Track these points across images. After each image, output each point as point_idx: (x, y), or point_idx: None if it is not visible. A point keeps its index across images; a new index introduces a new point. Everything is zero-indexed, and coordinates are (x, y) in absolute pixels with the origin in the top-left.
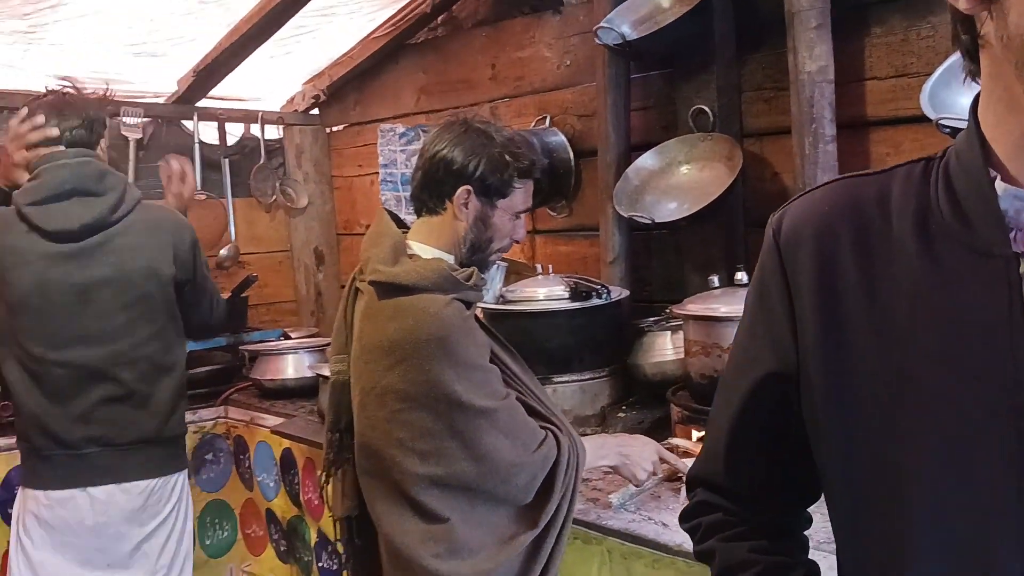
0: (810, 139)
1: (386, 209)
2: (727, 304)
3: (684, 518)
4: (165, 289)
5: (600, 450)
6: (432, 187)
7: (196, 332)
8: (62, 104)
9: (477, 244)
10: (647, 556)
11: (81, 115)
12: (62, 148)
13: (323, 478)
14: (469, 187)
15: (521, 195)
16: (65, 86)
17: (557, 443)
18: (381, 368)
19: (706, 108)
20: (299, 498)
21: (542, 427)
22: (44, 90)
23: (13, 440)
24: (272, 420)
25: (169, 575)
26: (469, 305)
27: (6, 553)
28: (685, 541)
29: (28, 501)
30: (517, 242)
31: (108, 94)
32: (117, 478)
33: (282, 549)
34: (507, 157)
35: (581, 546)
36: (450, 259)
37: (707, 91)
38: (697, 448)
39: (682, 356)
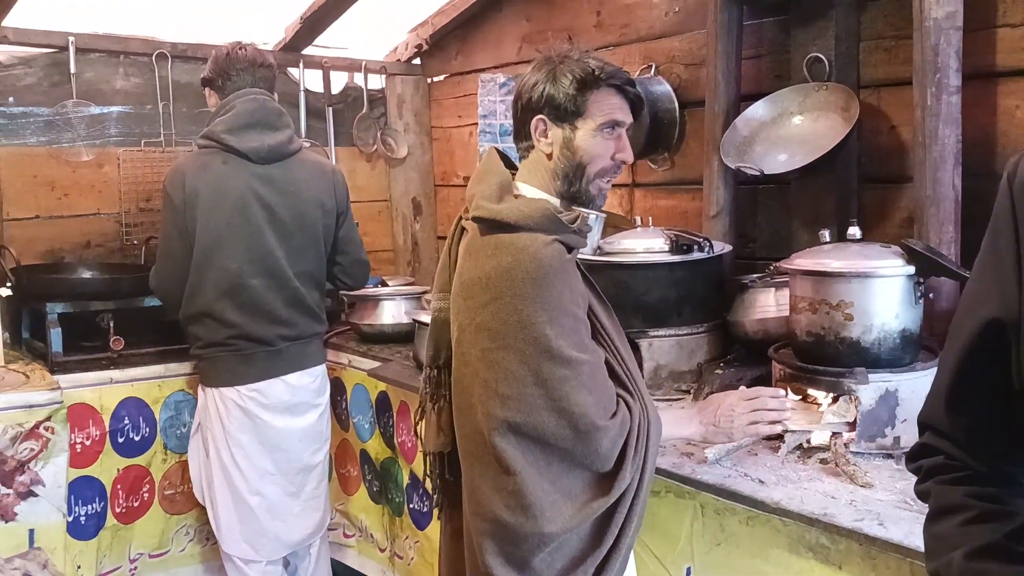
0: (933, 90)
1: (496, 148)
2: (838, 259)
3: (909, 459)
4: (328, 219)
5: (680, 422)
6: (518, 128)
7: (355, 268)
8: (254, 54)
9: (568, 172)
10: (741, 512)
11: (263, 66)
12: (250, 87)
13: (419, 413)
14: (542, 115)
15: (599, 107)
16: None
17: (629, 411)
18: (477, 304)
19: (822, 56)
20: (393, 440)
21: (617, 394)
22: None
23: (124, 372)
24: (369, 364)
25: (327, 444)
26: (571, 250)
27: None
28: (783, 498)
29: (224, 399)
30: (624, 162)
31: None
32: (303, 365)
33: (374, 490)
34: (564, 73)
35: (674, 500)
36: (555, 202)
37: (824, 38)
38: (799, 407)
39: (786, 314)
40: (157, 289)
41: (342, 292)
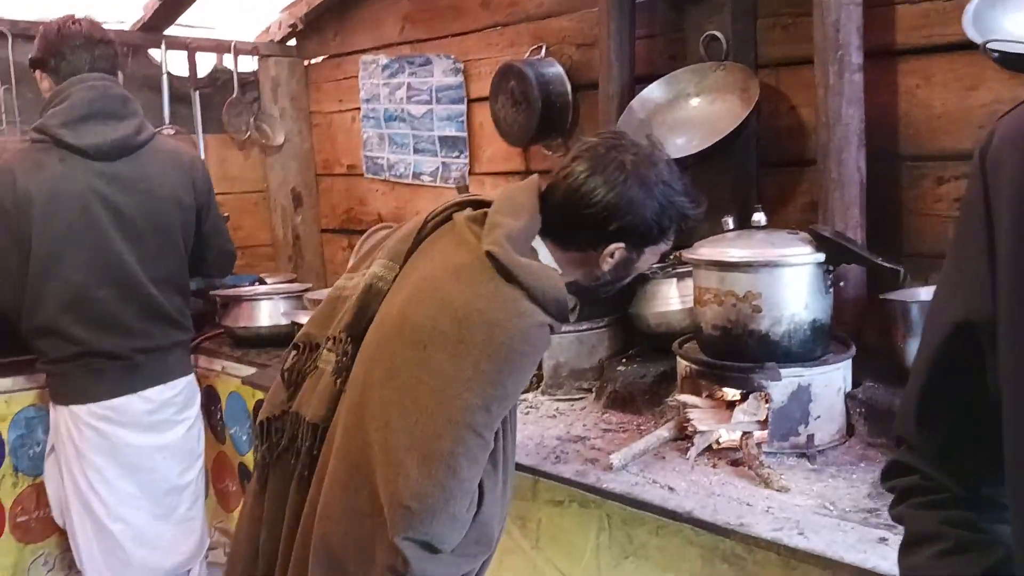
0: (835, 68)
1: (539, 184)
2: (743, 248)
3: (883, 477)
4: (187, 216)
5: None
6: (576, 229)
7: (221, 259)
8: (90, 28)
9: (611, 282)
10: (651, 522)
11: (102, 43)
12: (87, 73)
13: (292, 373)
14: (622, 246)
15: (672, 239)
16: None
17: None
18: (441, 330)
19: (719, 35)
20: None
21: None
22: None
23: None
24: (245, 370)
25: (200, 461)
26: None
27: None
28: (695, 507)
29: (75, 418)
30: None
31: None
32: (164, 378)
33: None
34: (667, 220)
35: (578, 510)
36: (561, 277)
37: (719, 16)
38: (707, 406)
39: (689, 306)
40: None
41: (212, 292)
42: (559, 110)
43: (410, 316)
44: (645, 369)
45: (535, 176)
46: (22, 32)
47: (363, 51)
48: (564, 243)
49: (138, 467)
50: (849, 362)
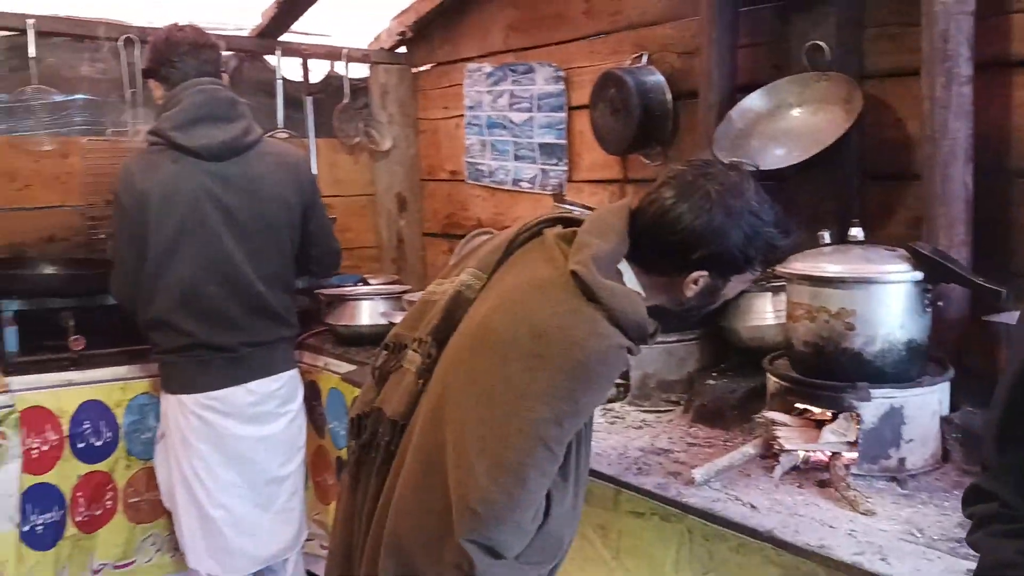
0: (942, 80)
1: (630, 208)
2: (838, 263)
3: (963, 502)
4: (293, 216)
5: None
6: (660, 255)
7: (327, 258)
8: (195, 35)
9: (697, 308)
10: (732, 539)
11: (207, 48)
12: (195, 78)
13: (375, 374)
14: (705, 273)
15: (761, 267)
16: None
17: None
18: (520, 344)
19: (823, 45)
20: None
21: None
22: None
23: (85, 373)
24: (345, 367)
25: (300, 454)
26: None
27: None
28: (775, 527)
29: (183, 406)
30: None
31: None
32: (269, 371)
33: None
34: (753, 250)
35: (659, 523)
36: (641, 294)
37: (824, 26)
38: (795, 424)
39: (784, 321)
40: (116, 297)
41: (318, 291)
42: (659, 119)
43: (492, 326)
44: (735, 384)
45: (628, 199)
46: (149, 39)
47: (469, 59)
48: (649, 267)
49: (240, 457)
50: (947, 385)
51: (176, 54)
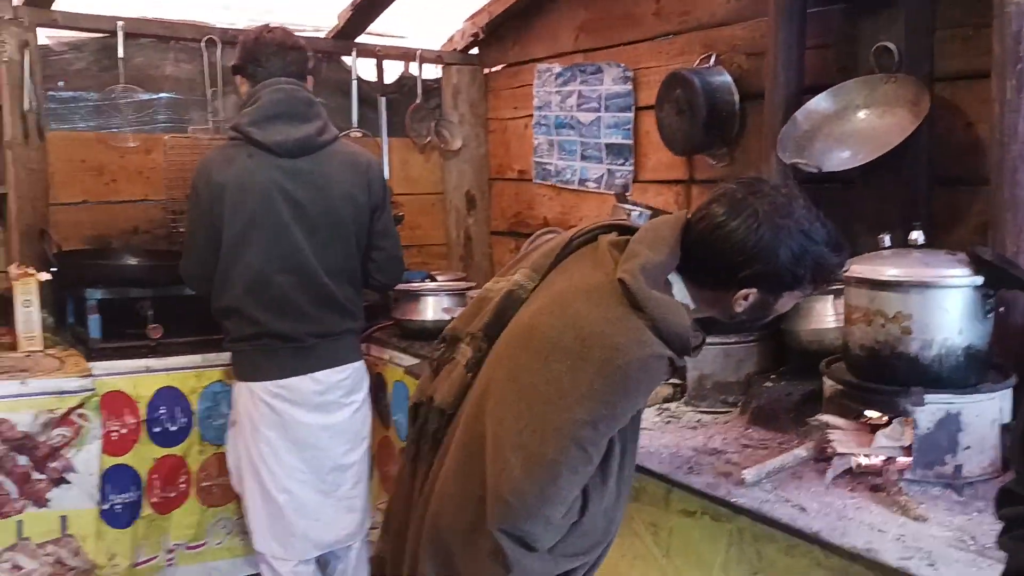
0: (1013, 83)
1: (687, 220)
2: (896, 266)
3: (996, 504)
4: (360, 214)
5: None
6: (709, 270)
7: (389, 264)
8: (283, 36)
9: (749, 321)
10: (781, 540)
11: (293, 50)
12: (278, 77)
13: (432, 365)
14: (754, 291)
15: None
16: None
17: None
18: (563, 344)
19: (891, 46)
20: None
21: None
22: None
23: (162, 361)
24: (409, 360)
25: (365, 443)
26: (672, 368)
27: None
28: (822, 528)
29: (252, 393)
30: None
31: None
32: (334, 362)
33: None
34: (801, 268)
35: (709, 522)
36: (693, 309)
37: (894, 28)
38: (849, 428)
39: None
40: (186, 279)
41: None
42: (725, 119)
43: (538, 326)
44: (793, 387)
45: (683, 212)
46: (231, 40)
47: (539, 60)
48: (698, 281)
49: (305, 443)
50: (1008, 392)
51: (263, 53)
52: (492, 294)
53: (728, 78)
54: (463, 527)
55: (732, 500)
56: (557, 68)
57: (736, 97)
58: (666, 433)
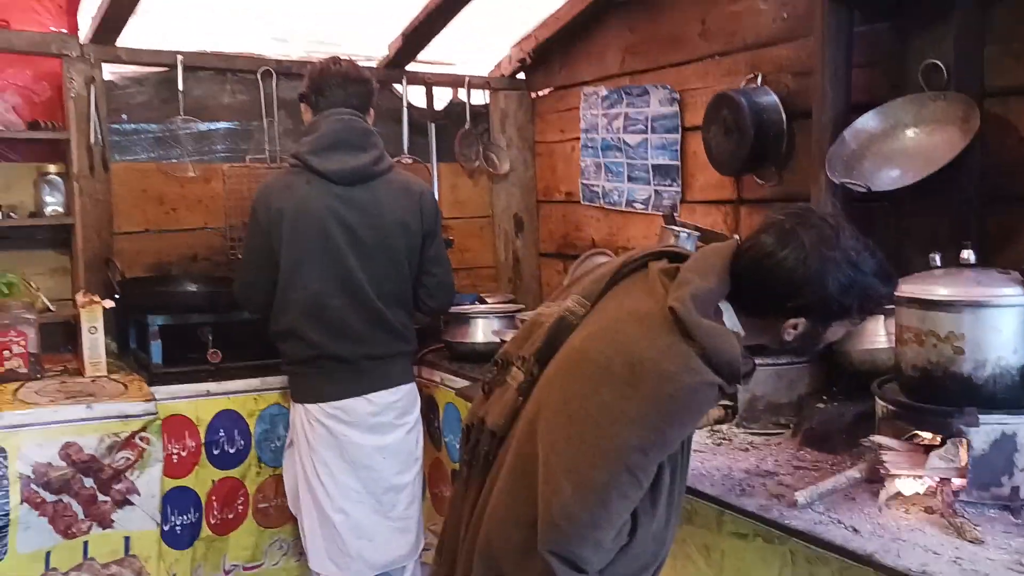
0: None
1: (737, 247)
2: (948, 286)
3: None
4: (412, 240)
5: None
6: (758, 299)
7: (440, 290)
8: (348, 69)
9: (798, 352)
10: (835, 563)
11: (357, 82)
12: (340, 108)
13: (486, 387)
14: (802, 320)
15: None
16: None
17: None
18: (617, 363)
19: (940, 63)
20: None
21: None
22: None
23: (221, 384)
24: (460, 382)
25: (417, 464)
26: (721, 396)
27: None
28: (876, 550)
29: (309, 415)
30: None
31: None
32: (387, 384)
33: None
34: (852, 302)
35: (762, 545)
36: (742, 334)
37: (942, 45)
38: (902, 449)
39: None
40: (240, 300)
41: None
42: (773, 139)
43: (589, 352)
44: (845, 408)
45: (733, 240)
46: (285, 71)
47: (585, 83)
48: (748, 310)
49: (360, 464)
50: None
51: (328, 84)
52: (544, 319)
53: (775, 98)
54: (514, 548)
55: (785, 522)
56: (604, 91)
57: (783, 117)
58: (718, 455)
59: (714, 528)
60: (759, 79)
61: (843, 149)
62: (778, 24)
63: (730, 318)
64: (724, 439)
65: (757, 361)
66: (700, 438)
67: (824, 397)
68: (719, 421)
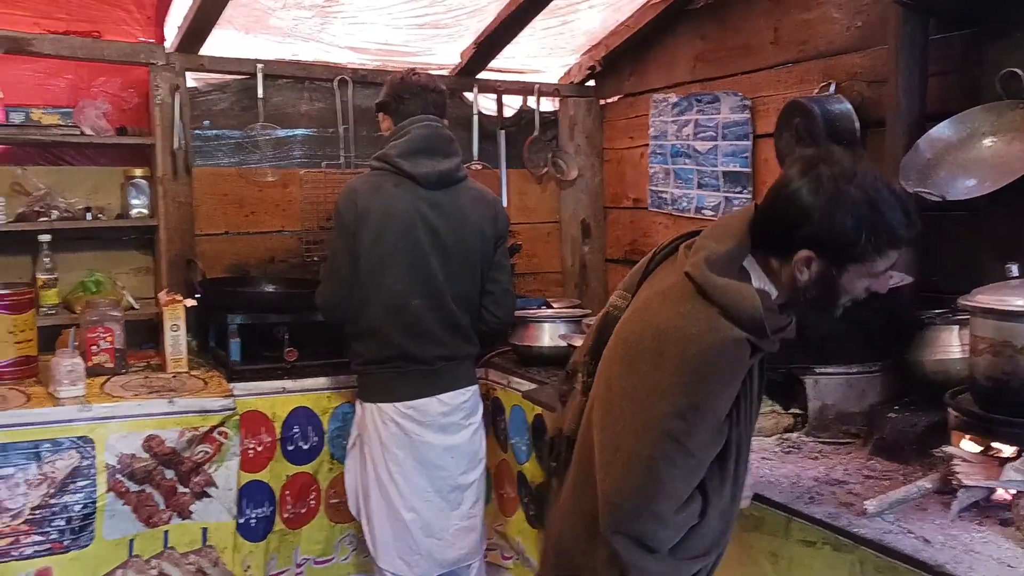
0: None
1: (756, 208)
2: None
3: None
4: (486, 246)
5: None
6: (774, 236)
7: (503, 298)
8: (426, 80)
9: (818, 302)
10: (903, 573)
11: (434, 92)
12: (424, 114)
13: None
14: (812, 253)
15: (881, 262)
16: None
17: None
18: (646, 338)
19: (1019, 72)
20: None
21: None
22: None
23: (296, 382)
24: (526, 385)
25: (482, 464)
26: (756, 351)
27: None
28: (947, 561)
29: (383, 414)
30: (879, 293)
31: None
32: (457, 385)
33: (531, 513)
34: (863, 232)
35: (830, 553)
36: (775, 295)
37: (1020, 53)
38: (976, 460)
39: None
40: (324, 306)
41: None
42: (845, 147)
43: (624, 335)
44: (917, 418)
45: (752, 203)
46: (361, 79)
47: (655, 90)
48: (764, 248)
49: (430, 463)
50: None
51: (408, 93)
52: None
53: (848, 106)
54: (582, 538)
55: (854, 531)
56: (674, 98)
57: (857, 125)
58: (786, 463)
59: (782, 535)
60: (832, 87)
61: (918, 158)
62: (852, 32)
63: (758, 277)
64: (793, 447)
65: (830, 370)
66: (769, 445)
67: (895, 407)
68: (788, 429)
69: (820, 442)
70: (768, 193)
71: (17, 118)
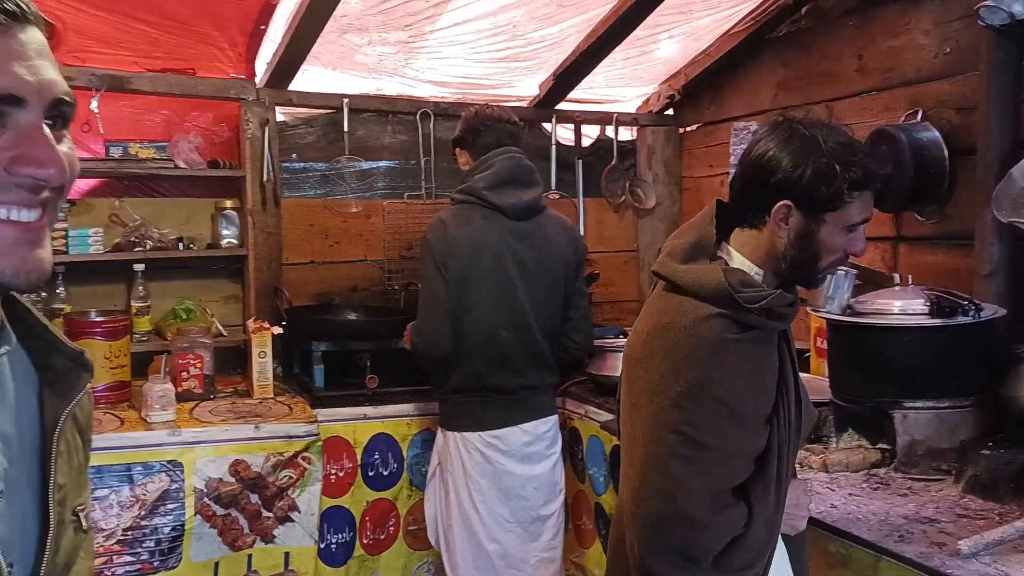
0: None
1: (720, 201)
2: None
3: None
4: (569, 273)
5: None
6: (750, 197)
7: (583, 323)
8: (500, 112)
9: (799, 262)
10: None
11: (508, 123)
12: (507, 146)
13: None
14: (789, 202)
15: (856, 208)
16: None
17: (750, 516)
18: (637, 347)
19: None
20: None
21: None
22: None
23: (377, 409)
24: (604, 415)
25: (561, 495)
26: (746, 327)
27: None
28: None
29: (467, 443)
30: (855, 255)
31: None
32: (539, 414)
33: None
34: (836, 167)
35: None
36: (759, 274)
37: None
38: None
39: None
40: (425, 337)
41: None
42: (934, 176)
43: (626, 353)
44: (1013, 455)
45: (715, 200)
46: (442, 112)
47: (735, 118)
48: (740, 219)
49: (513, 493)
50: None
51: (483, 126)
52: None
53: (936, 134)
54: (623, 547)
55: (948, 572)
56: (754, 126)
57: (945, 153)
58: (874, 499)
59: (870, 574)
60: (919, 115)
61: (1011, 187)
62: (940, 59)
63: (740, 260)
64: (881, 483)
65: (919, 404)
66: (856, 481)
67: (989, 443)
68: (875, 465)
69: (909, 478)
70: (739, 162)
71: (116, 152)
